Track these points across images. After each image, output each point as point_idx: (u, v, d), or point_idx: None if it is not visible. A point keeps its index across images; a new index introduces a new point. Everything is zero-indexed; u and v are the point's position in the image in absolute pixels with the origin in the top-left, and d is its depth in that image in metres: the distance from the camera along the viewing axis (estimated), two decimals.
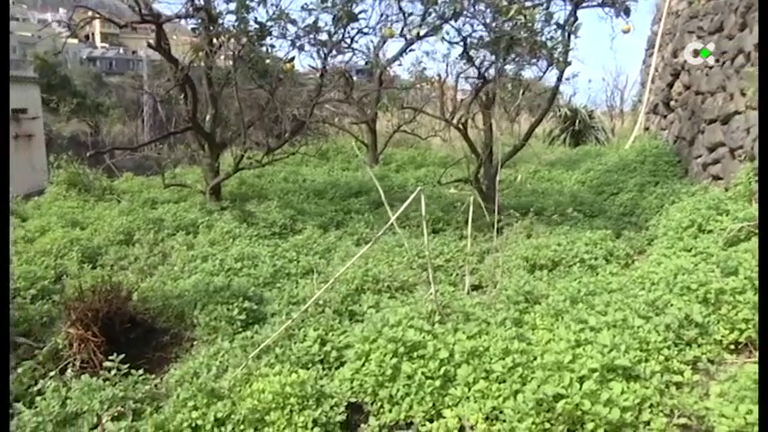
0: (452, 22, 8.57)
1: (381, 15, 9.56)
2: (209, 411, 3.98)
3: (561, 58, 8.50)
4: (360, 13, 8.89)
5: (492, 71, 9.35)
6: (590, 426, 3.57)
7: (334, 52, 9.46)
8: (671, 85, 12.57)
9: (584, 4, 8.41)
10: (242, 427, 3.87)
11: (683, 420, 3.72)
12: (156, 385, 4.67)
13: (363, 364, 4.29)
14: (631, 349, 4.16)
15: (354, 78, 16.59)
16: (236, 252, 7.55)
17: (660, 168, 11.45)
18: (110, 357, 4.66)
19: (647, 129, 15.45)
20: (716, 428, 3.49)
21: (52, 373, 4.92)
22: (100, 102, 47.96)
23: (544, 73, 9.07)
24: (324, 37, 8.94)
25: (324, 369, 4.61)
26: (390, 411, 3.99)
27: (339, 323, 5.27)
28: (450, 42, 9.17)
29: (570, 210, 8.92)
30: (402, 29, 9.66)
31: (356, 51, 10.22)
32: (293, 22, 8.54)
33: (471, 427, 3.72)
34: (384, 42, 11.24)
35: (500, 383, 3.99)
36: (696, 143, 10.12)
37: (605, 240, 7.47)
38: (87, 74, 53.52)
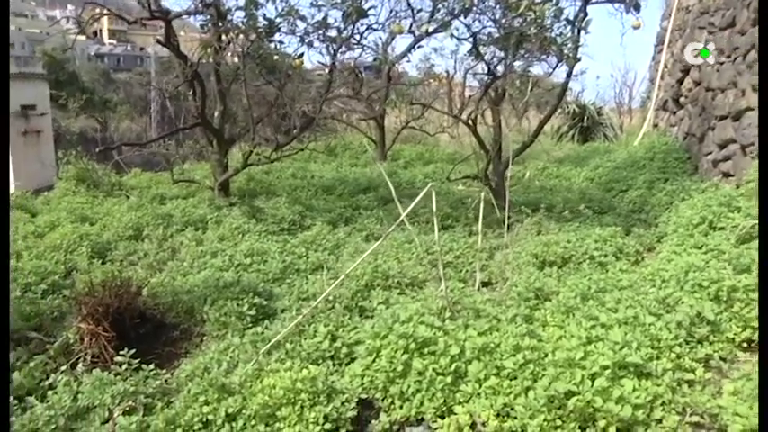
0: (462, 18, 8.53)
1: (391, 11, 9.55)
2: (220, 406, 3.99)
3: (571, 54, 8.46)
4: (369, 9, 8.88)
5: (501, 67, 9.32)
6: (602, 423, 3.56)
7: (343, 49, 9.45)
8: (681, 82, 12.49)
9: (594, 0, 8.36)
10: (253, 422, 3.87)
11: (695, 419, 3.69)
12: (166, 380, 4.68)
13: (374, 360, 4.29)
14: (643, 346, 4.14)
15: (362, 75, 16.56)
16: (245, 248, 7.55)
17: (669, 165, 11.39)
18: (120, 352, 4.69)
19: (656, 125, 15.37)
20: (730, 427, 3.47)
21: (63, 368, 4.96)
22: (108, 98, 48.13)
23: (554, 69, 9.05)
24: (333, 33, 8.94)
25: (334, 365, 4.61)
26: (401, 407, 3.99)
27: (349, 319, 5.26)
28: (458, 39, 9.15)
29: (582, 207, 8.88)
30: (410, 25, 9.63)
31: (365, 48, 10.21)
32: (303, 18, 8.55)
33: (483, 424, 3.71)
34: (393, 39, 11.21)
35: (511, 380, 3.97)
36: (706, 140, 10.06)
37: (615, 237, 7.44)
38: (95, 70, 53.71)
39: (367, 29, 9.56)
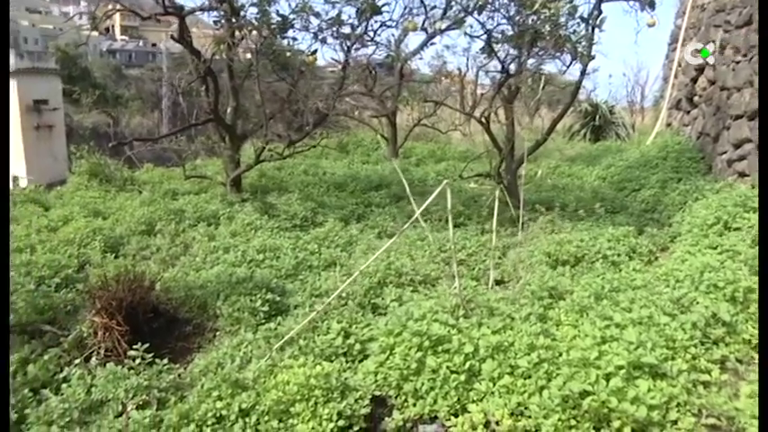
0: (476, 15, 8.49)
1: (405, 8, 9.53)
2: (234, 402, 3.99)
3: (585, 52, 8.41)
4: (383, 6, 8.85)
5: (514, 65, 9.29)
6: (616, 423, 3.53)
7: (357, 45, 9.43)
8: (695, 81, 12.38)
9: None
10: (266, 418, 3.87)
11: (711, 420, 3.66)
12: (179, 375, 4.69)
13: (388, 358, 4.28)
14: (658, 347, 4.10)
15: (373, 72, 16.54)
16: (257, 244, 7.57)
17: (683, 165, 11.32)
18: (134, 346, 4.70)
19: (669, 125, 15.25)
20: (747, 430, 3.43)
21: (77, 361, 5.00)
22: (119, 94, 48.31)
23: (568, 67, 8.99)
24: (347, 30, 8.92)
25: (347, 362, 4.60)
26: (415, 405, 3.98)
27: (362, 316, 5.26)
28: (472, 36, 9.12)
29: (598, 205, 8.84)
30: (423, 22, 9.61)
31: (379, 45, 10.19)
32: (316, 14, 8.53)
33: (496, 423, 3.70)
34: (405, 35, 11.20)
35: (525, 379, 3.95)
36: (721, 139, 9.97)
37: (628, 237, 7.40)
38: (107, 66, 53.84)
39: (381, 26, 9.56)
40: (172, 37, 9.85)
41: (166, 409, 4.11)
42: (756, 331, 4.57)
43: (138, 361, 4.58)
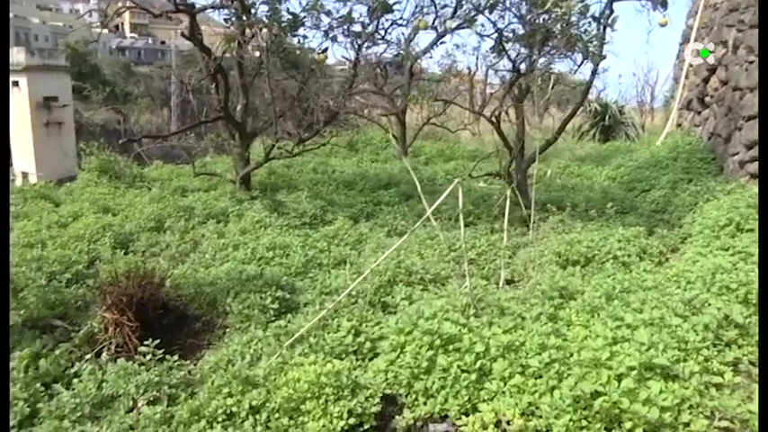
0: (487, 14, 8.47)
1: (416, 7, 9.50)
2: (244, 399, 4.00)
3: (596, 52, 8.38)
4: (394, 4, 8.83)
5: (524, 64, 9.26)
6: (628, 425, 3.51)
7: (368, 43, 9.42)
8: (706, 81, 12.31)
9: None
10: (277, 415, 3.88)
11: (724, 423, 3.63)
12: (189, 371, 4.71)
13: (398, 356, 4.27)
14: (669, 348, 4.07)
15: (387, 70, 16.52)
16: (267, 241, 7.58)
17: (693, 165, 11.26)
18: (145, 342, 4.72)
19: (679, 125, 15.17)
20: None
21: (88, 356, 5.01)
22: (128, 91, 48.50)
23: (579, 66, 8.95)
24: (357, 28, 8.91)
25: (357, 360, 4.60)
26: (425, 404, 3.97)
27: (372, 314, 5.25)
28: (482, 36, 9.10)
29: (609, 205, 8.80)
30: (434, 20, 9.59)
31: (390, 43, 10.17)
32: (328, 13, 8.52)
33: (507, 422, 3.68)
34: (415, 34, 11.17)
35: (536, 379, 3.94)
36: (733, 140, 9.91)
37: (638, 237, 7.36)
38: (116, 63, 54.10)
39: (391, 24, 9.54)
40: (182, 34, 9.88)
41: (177, 406, 4.13)
42: None
43: (148, 357, 4.59)
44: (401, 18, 9.58)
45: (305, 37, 9.38)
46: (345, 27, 8.83)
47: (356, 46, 9.42)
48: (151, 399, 4.26)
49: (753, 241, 6.17)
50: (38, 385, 4.59)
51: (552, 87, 10.62)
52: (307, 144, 11.01)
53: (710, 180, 10.12)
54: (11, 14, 52.74)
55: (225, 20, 9.84)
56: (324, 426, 3.70)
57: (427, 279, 6.19)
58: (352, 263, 6.96)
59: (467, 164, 13.91)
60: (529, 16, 8.42)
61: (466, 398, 3.91)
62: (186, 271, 6.83)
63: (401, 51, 11.26)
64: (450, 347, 4.16)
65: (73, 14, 65.36)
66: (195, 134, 14.18)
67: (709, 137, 11.68)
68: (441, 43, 10.28)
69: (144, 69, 56.28)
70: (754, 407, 3.62)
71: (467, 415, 3.82)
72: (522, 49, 9.13)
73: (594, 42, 8.36)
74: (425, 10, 9.66)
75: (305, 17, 8.73)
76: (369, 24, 8.93)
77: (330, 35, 8.87)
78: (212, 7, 9.42)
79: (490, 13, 8.46)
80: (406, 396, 4.11)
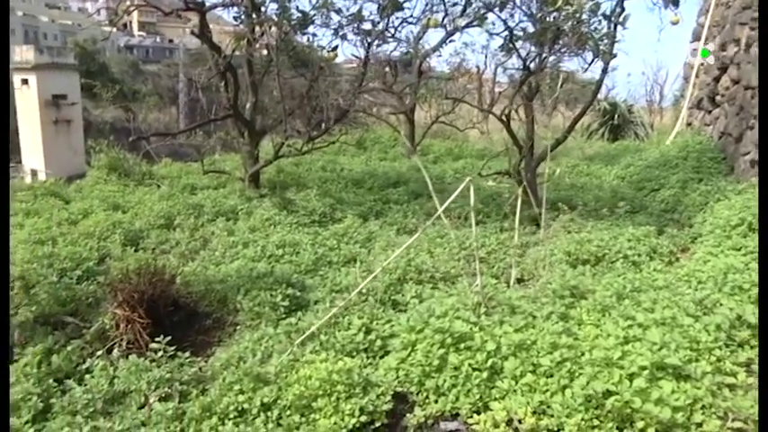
0: (497, 12, 8.45)
1: (426, 5, 9.49)
2: (256, 396, 4.00)
3: (607, 50, 8.34)
4: (404, 1, 8.82)
5: (534, 63, 9.22)
6: (640, 424, 3.50)
7: (378, 41, 9.41)
8: (717, 80, 12.24)
9: None
10: (288, 412, 3.88)
11: (738, 424, 3.60)
12: (200, 368, 4.72)
13: (409, 354, 4.27)
14: (681, 348, 4.05)
15: (397, 68, 16.51)
16: (277, 239, 7.60)
17: (704, 165, 11.20)
18: (156, 339, 4.73)
19: (689, 124, 15.10)
20: None
21: (99, 353, 5.04)
22: (136, 89, 48.70)
23: (589, 65, 8.91)
24: (367, 26, 8.90)
25: (368, 358, 4.60)
26: (436, 402, 3.97)
27: (383, 312, 5.25)
28: (491, 34, 9.07)
29: (621, 204, 8.77)
30: (443, 19, 9.58)
31: (400, 41, 10.17)
32: (338, 11, 8.51)
33: (519, 421, 3.68)
34: (424, 32, 11.16)
35: (548, 378, 3.93)
36: (744, 139, 9.85)
37: (648, 237, 7.34)
38: (124, 61, 54.36)
39: (402, 22, 9.53)
40: (192, 32, 9.90)
41: (188, 402, 4.13)
42: None
43: (159, 354, 4.61)
44: (411, 16, 9.57)
45: (314, 35, 9.39)
46: (355, 25, 8.82)
47: (366, 44, 9.41)
48: (163, 395, 4.27)
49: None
50: (50, 381, 4.62)
51: (561, 86, 10.59)
52: (316, 142, 11.03)
53: (721, 180, 10.07)
54: (20, 13, 52.92)
55: (234, 18, 9.87)
56: (335, 423, 3.70)
57: (437, 277, 6.19)
58: (361, 261, 6.97)
59: (475, 162, 13.90)
60: (539, 14, 8.39)
61: (477, 396, 3.91)
62: (196, 268, 6.86)
63: (410, 50, 11.24)
64: (462, 346, 4.15)
65: (81, 13, 65.65)
66: (203, 132, 14.24)
67: (719, 136, 11.61)
68: (450, 41, 10.27)
69: (152, 68, 56.52)
70: None
71: (478, 413, 3.82)
72: (533, 48, 9.11)
73: (605, 41, 8.32)
74: (435, 8, 9.65)
75: (315, 15, 8.73)
76: (379, 22, 8.93)
77: (340, 33, 8.87)
78: (222, 5, 9.44)
79: (500, 11, 8.43)
80: (418, 394, 4.11)
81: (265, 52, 10.38)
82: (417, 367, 4.15)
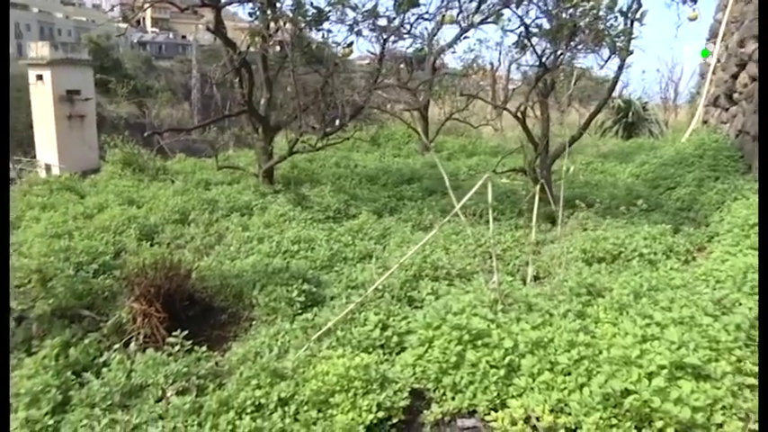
0: (513, 8, 8.40)
1: (442, 0, 9.45)
2: (273, 391, 4.01)
3: (624, 47, 8.28)
4: None
5: (550, 59, 9.17)
6: (659, 424, 3.47)
7: (393, 38, 9.39)
8: (735, 77, 12.09)
9: None
10: (305, 408, 3.88)
11: None
12: (217, 363, 4.73)
13: (426, 351, 4.26)
14: (700, 348, 4.01)
15: (404, 65, 16.48)
16: (291, 235, 7.61)
17: (720, 163, 11.08)
18: (173, 333, 4.75)
19: (705, 122, 14.95)
20: None
21: (117, 346, 5.06)
22: (149, 85, 48.91)
23: (606, 62, 8.85)
24: (383, 22, 8.88)
25: (384, 354, 4.59)
26: (453, 399, 3.96)
27: (399, 308, 5.24)
28: (506, 31, 9.02)
29: (640, 202, 8.70)
30: (458, 15, 9.54)
31: (415, 38, 10.13)
32: (353, 7, 8.50)
33: (537, 419, 3.66)
34: (439, 29, 11.13)
35: (565, 376, 3.91)
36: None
37: (664, 235, 7.28)
38: (138, 57, 54.57)
39: (417, 18, 9.48)
40: (207, 28, 9.94)
41: (205, 396, 4.14)
42: None
43: (176, 348, 4.63)
44: (427, 12, 9.53)
45: (329, 31, 9.38)
46: (371, 21, 8.80)
47: (382, 40, 9.39)
48: (180, 389, 4.28)
49: None
50: (68, 373, 4.66)
51: (575, 83, 10.51)
52: (330, 138, 11.03)
53: (739, 178, 9.96)
54: (35, 10, 53.28)
55: (249, 14, 9.87)
56: (353, 419, 3.70)
57: (453, 274, 6.18)
58: (377, 257, 6.96)
59: (489, 159, 13.86)
60: (555, 10, 8.34)
61: (495, 393, 3.90)
62: (211, 263, 6.88)
63: (424, 46, 11.21)
64: (479, 343, 4.14)
65: (96, 10, 66.06)
66: (217, 128, 14.29)
67: (737, 134, 11.49)
68: (464, 38, 10.22)
69: (165, 64, 56.70)
70: None
71: (495, 411, 3.81)
72: (548, 45, 9.05)
73: (622, 37, 8.26)
74: (450, 4, 9.60)
75: (330, 11, 8.71)
76: (394, 18, 8.90)
77: (355, 29, 8.85)
78: (238, 1, 9.45)
79: (516, 7, 8.39)
80: (434, 391, 4.10)
81: (278, 48, 10.38)
82: (434, 364, 4.14)
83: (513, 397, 3.86)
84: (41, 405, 4.21)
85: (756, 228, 6.75)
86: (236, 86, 10.66)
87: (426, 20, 9.63)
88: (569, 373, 3.93)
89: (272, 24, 9.26)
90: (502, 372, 3.95)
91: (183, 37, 70.98)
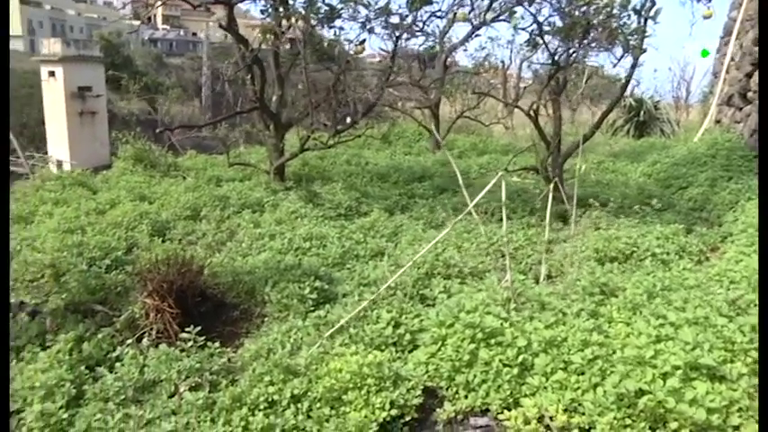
0: (526, 6, 8.36)
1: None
2: (286, 387, 4.02)
3: (637, 45, 8.22)
4: None
5: (563, 58, 9.12)
6: (673, 425, 3.45)
7: (405, 35, 9.37)
8: (750, 76, 12.00)
9: None
10: (318, 404, 3.89)
11: None
12: (229, 359, 4.74)
13: (439, 349, 4.25)
14: (715, 348, 3.98)
15: (415, 63, 16.43)
16: (303, 232, 7.61)
17: (734, 163, 11.01)
18: (186, 329, 4.76)
19: (718, 121, 14.83)
20: None
21: (129, 341, 5.08)
22: (160, 82, 49.02)
23: (619, 60, 8.78)
24: (395, 20, 8.85)
25: (397, 351, 4.58)
26: (466, 397, 3.95)
27: (411, 306, 5.23)
28: (519, 29, 8.98)
29: (654, 201, 8.64)
30: (470, 12, 9.51)
31: (428, 35, 10.11)
32: (366, 5, 8.48)
33: (551, 418, 3.65)
34: (451, 26, 11.09)
35: (579, 375, 3.89)
36: None
37: (677, 235, 7.24)
38: (148, 54, 54.64)
39: (430, 16, 9.47)
40: (220, 25, 9.95)
41: (218, 392, 4.15)
42: None
43: (189, 343, 4.63)
44: (440, 10, 9.52)
45: (341, 29, 9.36)
46: (383, 19, 8.78)
47: (394, 38, 9.36)
48: (193, 384, 4.29)
49: None
50: (82, 368, 4.68)
51: (586, 81, 10.46)
52: (341, 136, 11.03)
53: (752, 178, 9.88)
54: (48, 6, 53.54)
55: (262, 11, 9.90)
56: (366, 416, 3.70)
57: (465, 272, 6.15)
58: (389, 255, 6.95)
59: (500, 158, 13.81)
60: (569, 8, 8.29)
61: (508, 392, 3.89)
62: (223, 259, 6.90)
63: (436, 44, 11.18)
64: (492, 341, 4.13)
65: (107, 6, 66.37)
66: (228, 125, 14.31)
67: (750, 134, 11.40)
68: (475, 36, 10.20)
69: (175, 61, 56.78)
70: None
71: (509, 409, 3.80)
72: (560, 43, 9.00)
73: (635, 36, 8.20)
74: (462, 2, 9.57)
75: (342, 9, 8.71)
76: (407, 16, 8.88)
77: (367, 27, 8.84)
78: None
79: (529, 5, 8.35)
80: (447, 389, 4.09)
81: (288, 46, 10.38)
82: (447, 362, 4.13)
83: (526, 396, 3.86)
84: (56, 399, 4.23)
85: None
86: (247, 83, 10.67)
87: (439, 17, 9.64)
88: (583, 373, 3.91)
89: (284, 21, 9.27)
90: (515, 370, 3.94)
91: (194, 34, 71.09)
